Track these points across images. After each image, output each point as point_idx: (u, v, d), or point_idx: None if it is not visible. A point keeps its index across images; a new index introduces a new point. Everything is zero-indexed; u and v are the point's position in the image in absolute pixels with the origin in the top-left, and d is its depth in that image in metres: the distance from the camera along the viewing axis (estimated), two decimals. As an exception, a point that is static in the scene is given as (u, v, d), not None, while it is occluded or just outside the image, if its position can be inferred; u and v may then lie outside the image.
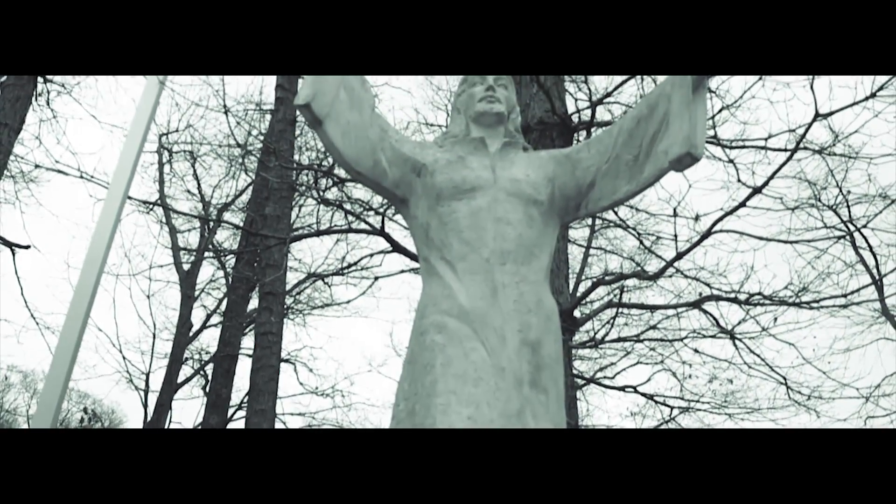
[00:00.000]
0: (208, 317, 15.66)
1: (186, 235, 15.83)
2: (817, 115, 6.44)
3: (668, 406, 10.66)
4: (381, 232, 7.38)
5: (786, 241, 8.04)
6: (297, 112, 2.53)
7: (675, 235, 7.20)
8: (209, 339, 16.65)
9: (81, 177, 7.46)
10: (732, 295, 7.57)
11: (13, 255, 7.93)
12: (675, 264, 7.43)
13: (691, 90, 2.50)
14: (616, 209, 8.57)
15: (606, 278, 8.47)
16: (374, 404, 19.96)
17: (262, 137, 9.53)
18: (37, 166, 8.60)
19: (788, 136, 7.12)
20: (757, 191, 6.69)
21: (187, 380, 14.84)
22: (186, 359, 14.60)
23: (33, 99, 7.75)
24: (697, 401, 10.58)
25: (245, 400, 12.41)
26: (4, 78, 7.54)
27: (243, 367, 12.20)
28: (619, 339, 10.52)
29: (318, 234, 8.76)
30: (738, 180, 7.12)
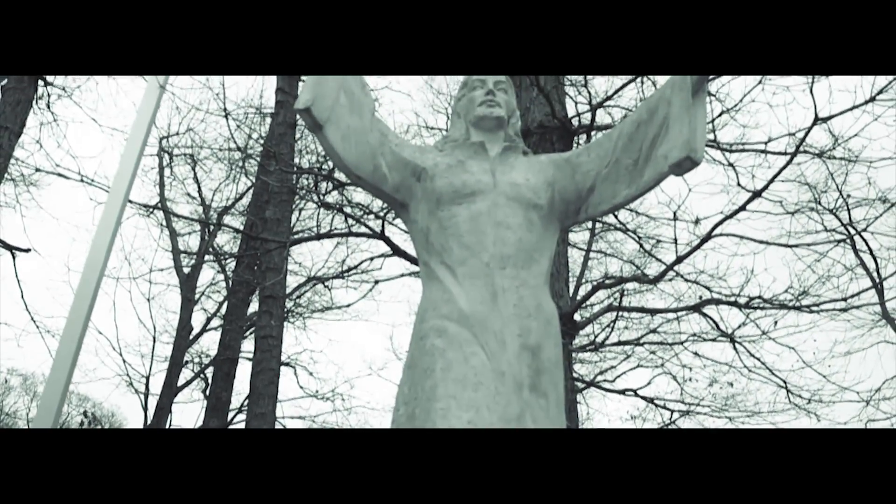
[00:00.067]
0: (208, 320, 15.66)
1: (187, 239, 15.85)
2: (817, 119, 6.44)
3: (669, 409, 10.65)
4: (381, 236, 7.39)
5: (786, 245, 8.04)
6: (298, 115, 2.54)
7: (675, 239, 7.20)
8: (209, 343, 16.67)
9: (82, 180, 7.46)
10: (732, 298, 7.56)
11: (13, 258, 7.94)
12: (675, 268, 7.43)
13: (691, 94, 2.50)
14: (616, 212, 8.56)
15: (606, 282, 8.47)
16: (374, 408, 19.93)
17: (262, 141, 9.53)
18: (37, 170, 8.60)
19: (788, 139, 7.13)
20: (757, 194, 6.69)
21: (187, 383, 14.84)
22: (186, 362, 14.60)
23: (34, 102, 7.76)
24: (698, 404, 10.57)
25: (245, 403, 12.41)
26: (5, 81, 7.55)
27: (243, 371, 12.21)
28: (619, 343, 10.51)
29: (319, 237, 8.75)
30: (738, 184, 7.13)
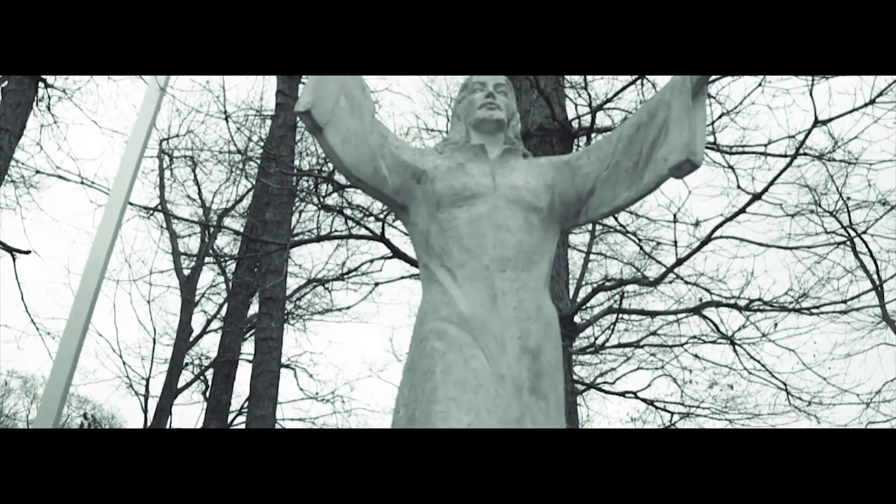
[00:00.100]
0: (208, 322, 15.67)
1: (187, 241, 15.85)
2: (817, 122, 6.45)
3: (669, 412, 10.64)
4: (381, 238, 7.39)
5: (786, 247, 8.04)
6: (298, 118, 2.54)
7: (675, 241, 7.21)
8: (209, 345, 16.64)
9: (82, 182, 7.47)
10: (732, 301, 7.57)
11: (14, 260, 7.95)
12: (676, 270, 7.43)
13: (691, 97, 2.51)
14: (616, 215, 8.56)
15: (606, 284, 8.47)
16: (374, 410, 19.93)
17: (262, 143, 9.54)
18: (37, 172, 8.60)
19: (788, 141, 7.13)
20: (757, 197, 6.70)
21: (187, 385, 14.84)
22: (186, 364, 14.60)
23: (34, 104, 7.77)
24: (698, 406, 10.57)
25: (245, 405, 12.41)
26: (6, 83, 7.56)
27: (243, 373, 12.21)
28: (619, 345, 10.51)
29: (319, 239, 8.77)
30: (738, 186, 7.13)
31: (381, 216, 7.61)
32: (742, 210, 6.77)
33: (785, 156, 7.05)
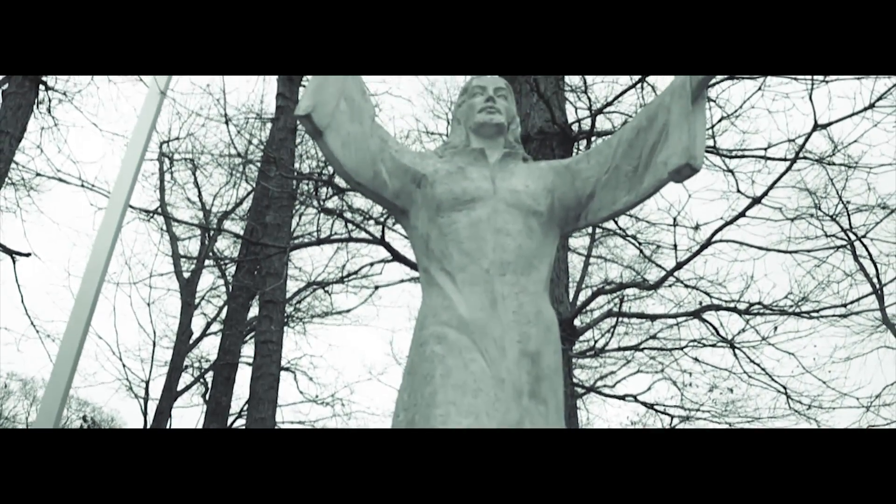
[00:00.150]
0: (208, 325, 15.67)
1: (187, 243, 15.86)
2: (816, 126, 6.45)
3: (669, 415, 10.65)
4: (381, 241, 7.40)
5: (785, 251, 8.05)
6: (298, 121, 2.55)
7: (675, 245, 7.22)
8: (209, 347, 16.63)
9: (82, 185, 7.48)
10: (732, 304, 7.58)
11: (14, 262, 7.94)
12: (675, 273, 7.43)
13: (690, 101, 2.51)
14: (616, 218, 8.57)
15: (606, 287, 8.47)
16: (374, 413, 19.88)
17: (262, 146, 9.55)
18: (38, 174, 8.62)
19: (788, 145, 7.14)
20: (757, 200, 6.70)
21: (187, 388, 14.83)
22: (186, 367, 14.60)
23: (35, 107, 7.77)
24: (698, 409, 10.58)
25: (245, 408, 12.40)
26: (6, 86, 7.57)
27: (243, 376, 12.21)
28: (619, 349, 10.52)
29: (319, 242, 8.78)
30: (738, 190, 7.14)
31: (381, 220, 7.62)
32: (742, 214, 6.78)
33: (785, 159, 7.06)
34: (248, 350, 13.18)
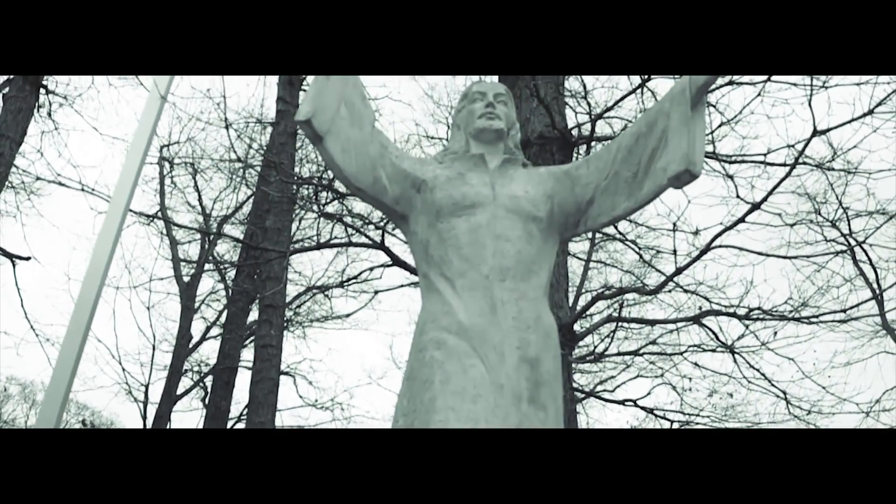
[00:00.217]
0: (208, 329, 15.67)
1: (187, 247, 15.86)
2: (816, 131, 6.46)
3: (668, 420, 10.63)
4: (381, 246, 7.40)
5: (785, 256, 8.04)
6: (298, 126, 2.55)
7: (675, 250, 7.21)
8: (209, 351, 16.66)
9: (83, 189, 7.48)
10: (732, 309, 7.56)
11: (13, 266, 7.95)
12: (675, 279, 7.43)
13: (690, 107, 2.52)
14: (616, 224, 8.57)
15: (606, 293, 8.48)
16: (373, 417, 19.89)
17: (262, 151, 9.56)
18: (38, 178, 8.62)
19: (788, 151, 7.13)
20: (756, 206, 6.70)
21: (187, 392, 14.82)
22: (186, 371, 14.59)
23: (35, 111, 7.77)
24: (697, 414, 10.55)
25: (244, 412, 12.38)
26: (7, 89, 7.58)
27: (243, 380, 12.21)
28: (618, 353, 10.51)
29: (319, 247, 8.76)
30: (738, 195, 7.14)
31: (381, 224, 7.62)
32: (741, 219, 6.77)
33: (784, 165, 7.06)
34: (247, 354, 13.18)
